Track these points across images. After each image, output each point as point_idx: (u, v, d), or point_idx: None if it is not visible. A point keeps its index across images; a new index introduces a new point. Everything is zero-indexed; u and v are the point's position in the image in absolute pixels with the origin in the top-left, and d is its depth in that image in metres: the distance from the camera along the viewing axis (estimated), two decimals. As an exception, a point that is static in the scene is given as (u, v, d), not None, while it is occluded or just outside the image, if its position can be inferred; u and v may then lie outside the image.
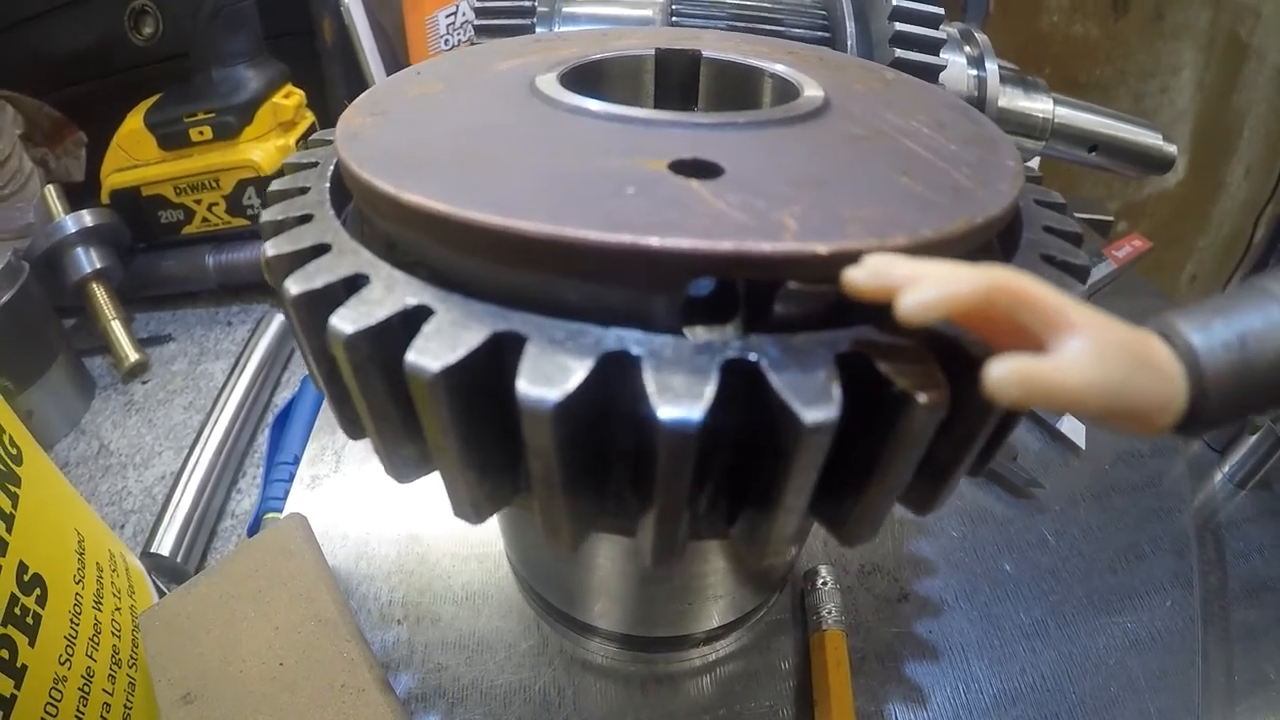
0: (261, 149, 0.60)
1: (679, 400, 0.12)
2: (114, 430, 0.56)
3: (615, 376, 0.13)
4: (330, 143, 0.23)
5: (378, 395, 0.15)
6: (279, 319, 0.60)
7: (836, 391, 0.13)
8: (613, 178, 0.16)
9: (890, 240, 0.14)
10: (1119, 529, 0.42)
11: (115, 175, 0.63)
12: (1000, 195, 0.17)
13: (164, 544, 0.45)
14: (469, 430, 0.15)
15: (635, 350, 0.13)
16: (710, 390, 0.12)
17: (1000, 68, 0.48)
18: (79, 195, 0.65)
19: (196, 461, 0.49)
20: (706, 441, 0.13)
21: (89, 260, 0.61)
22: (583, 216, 0.14)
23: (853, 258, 0.14)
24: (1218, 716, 0.33)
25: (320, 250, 0.17)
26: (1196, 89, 0.96)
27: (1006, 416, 0.16)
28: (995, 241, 0.20)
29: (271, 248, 0.17)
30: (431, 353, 0.13)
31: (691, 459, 0.13)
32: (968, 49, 0.47)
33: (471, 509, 0.16)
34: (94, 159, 0.70)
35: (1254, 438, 0.44)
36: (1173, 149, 0.49)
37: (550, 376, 0.13)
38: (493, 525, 0.40)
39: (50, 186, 0.64)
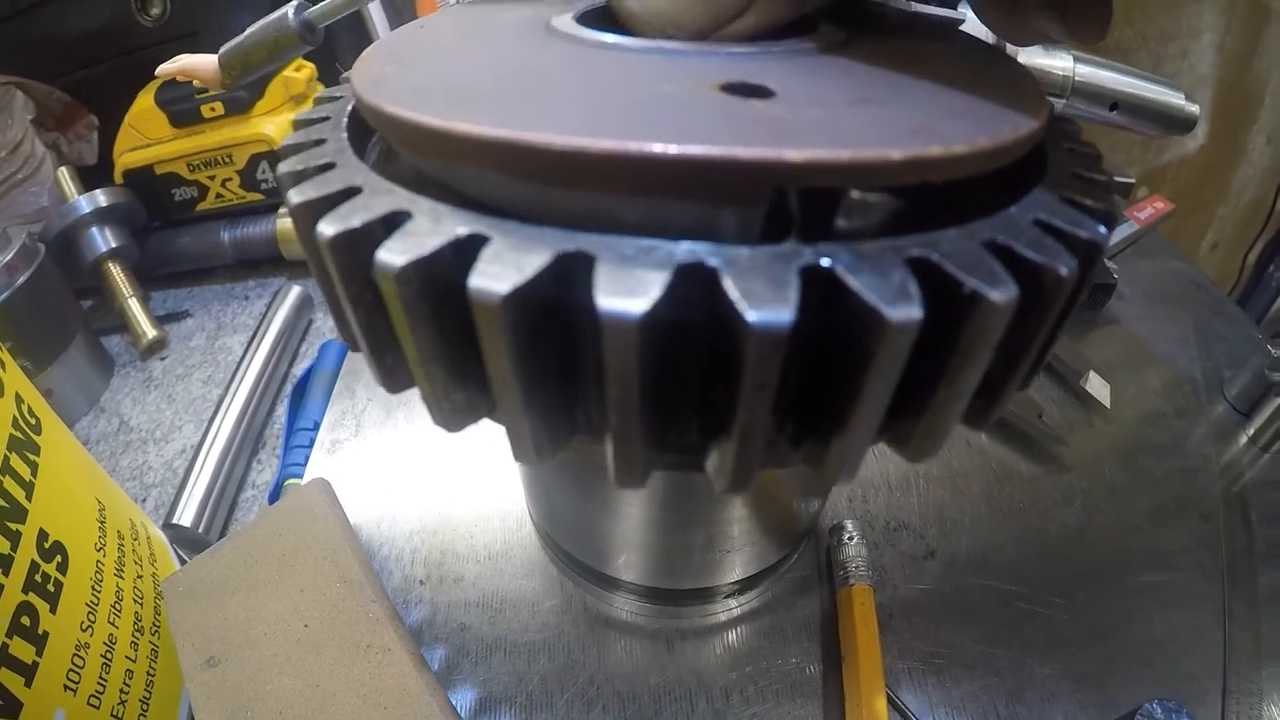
0: (274, 122, 0.60)
1: (767, 303, 0.12)
2: (134, 407, 0.57)
3: (691, 289, 0.13)
4: (338, 99, 0.22)
5: (429, 335, 0.15)
6: (295, 291, 0.61)
7: (915, 290, 0.13)
8: (666, 100, 0.16)
9: (952, 148, 0.14)
10: (1145, 489, 0.41)
11: (128, 155, 0.64)
12: (1034, 112, 0.17)
13: (185, 515, 0.45)
14: (533, 362, 0.14)
15: (711, 261, 0.13)
16: (795, 293, 0.12)
17: (1020, 24, 0.47)
18: (92, 178, 0.65)
19: (216, 433, 0.49)
20: (785, 354, 0.13)
21: (104, 240, 0.61)
22: (649, 133, 0.14)
23: (924, 164, 0.14)
24: (1243, 678, 0.33)
25: (351, 193, 0.16)
26: (1217, 53, 0.94)
27: (1060, 319, 0.16)
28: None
29: (296, 195, 0.17)
30: (495, 275, 0.13)
31: (779, 365, 0.13)
32: (986, 4, 0.46)
33: (533, 450, 0.16)
34: (105, 142, 0.70)
35: (1279, 401, 0.44)
36: (1194, 108, 0.48)
37: (630, 289, 0.12)
38: (514, 485, 0.40)
39: (64, 169, 0.64)
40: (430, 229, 0.14)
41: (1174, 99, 0.48)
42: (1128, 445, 0.43)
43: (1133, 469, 0.42)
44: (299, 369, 0.57)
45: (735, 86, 0.17)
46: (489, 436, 0.42)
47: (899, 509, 0.39)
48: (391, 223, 0.15)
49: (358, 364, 0.49)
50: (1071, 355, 0.46)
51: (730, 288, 0.12)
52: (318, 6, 0.33)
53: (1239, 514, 0.40)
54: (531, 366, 0.14)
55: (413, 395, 0.17)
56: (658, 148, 0.13)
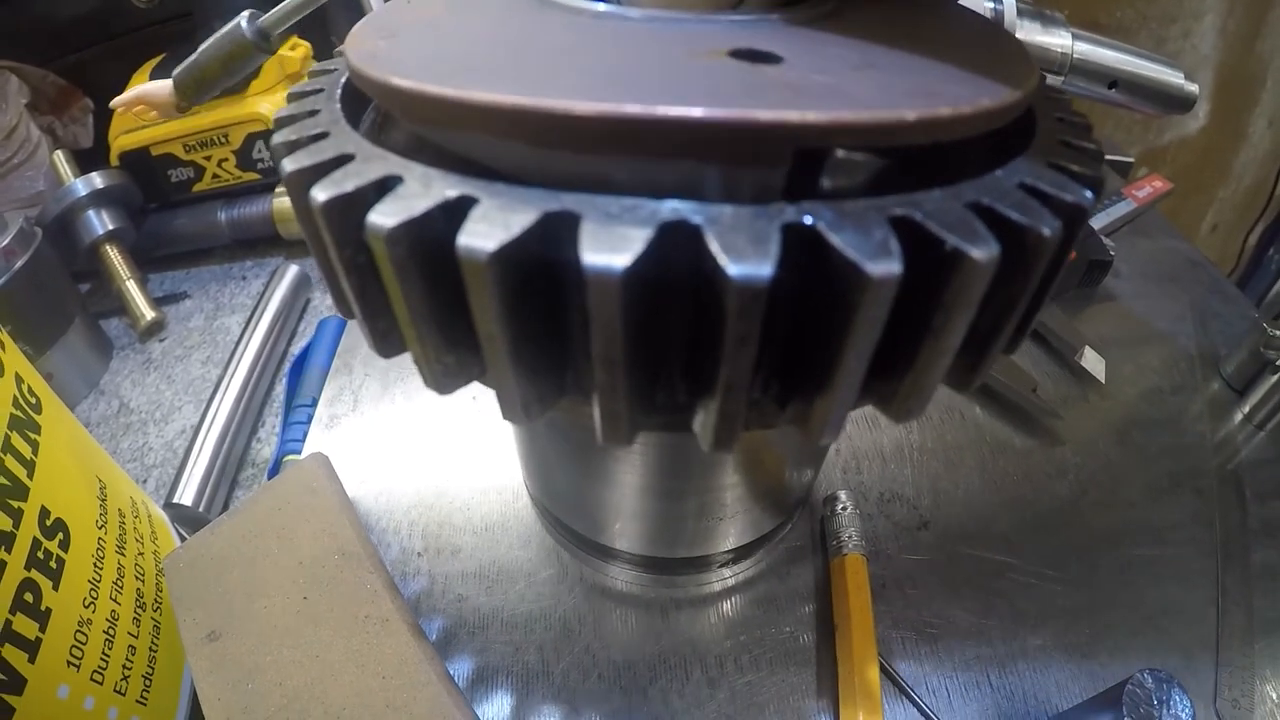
0: (269, 101, 0.60)
1: (747, 257, 0.12)
2: (133, 389, 0.57)
3: (674, 246, 0.13)
4: (331, 72, 0.22)
5: (421, 297, 0.15)
6: (293, 270, 0.61)
7: (896, 247, 0.13)
8: (679, 65, 0.16)
9: (961, 108, 0.15)
10: (1139, 464, 0.41)
11: (123, 137, 0.63)
12: (1026, 75, 0.17)
13: (186, 495, 0.45)
14: (521, 321, 0.14)
15: (694, 219, 0.13)
16: (775, 248, 0.13)
17: (1018, 1, 0.47)
18: (88, 161, 0.64)
19: (216, 412, 0.49)
20: (766, 312, 0.13)
21: (101, 222, 0.61)
22: (673, 97, 0.14)
23: (935, 124, 0.14)
24: (1236, 653, 0.33)
25: (344, 160, 0.17)
26: (1219, 35, 0.94)
27: (1044, 279, 0.16)
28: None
29: (290, 163, 0.17)
30: (483, 234, 0.13)
31: (760, 319, 0.13)
32: (984, -20, 0.46)
33: (522, 408, 0.16)
34: (101, 125, 0.70)
35: (1274, 378, 0.44)
36: (1194, 88, 0.48)
37: (613, 245, 0.13)
38: (511, 459, 0.40)
39: (59, 152, 0.64)
40: (421, 192, 0.14)
41: (1173, 77, 0.48)
42: (1122, 421, 0.44)
43: (1127, 444, 0.42)
44: (297, 348, 0.57)
45: (743, 53, 0.17)
46: (486, 411, 0.43)
47: (893, 480, 0.39)
48: (384, 187, 0.15)
49: (355, 340, 0.49)
50: (1066, 330, 0.46)
51: (712, 243, 0.13)
52: (271, 14, 0.32)
53: (1233, 490, 0.41)
54: (519, 325, 0.15)
55: (410, 372, 0.18)
56: (693, 111, 0.14)
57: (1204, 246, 1.00)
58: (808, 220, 0.13)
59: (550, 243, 0.13)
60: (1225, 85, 0.96)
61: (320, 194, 0.15)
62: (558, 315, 0.15)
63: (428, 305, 0.15)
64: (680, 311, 0.14)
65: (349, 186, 0.15)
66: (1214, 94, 0.96)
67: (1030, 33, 0.47)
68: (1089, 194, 0.16)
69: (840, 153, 0.15)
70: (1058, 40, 0.48)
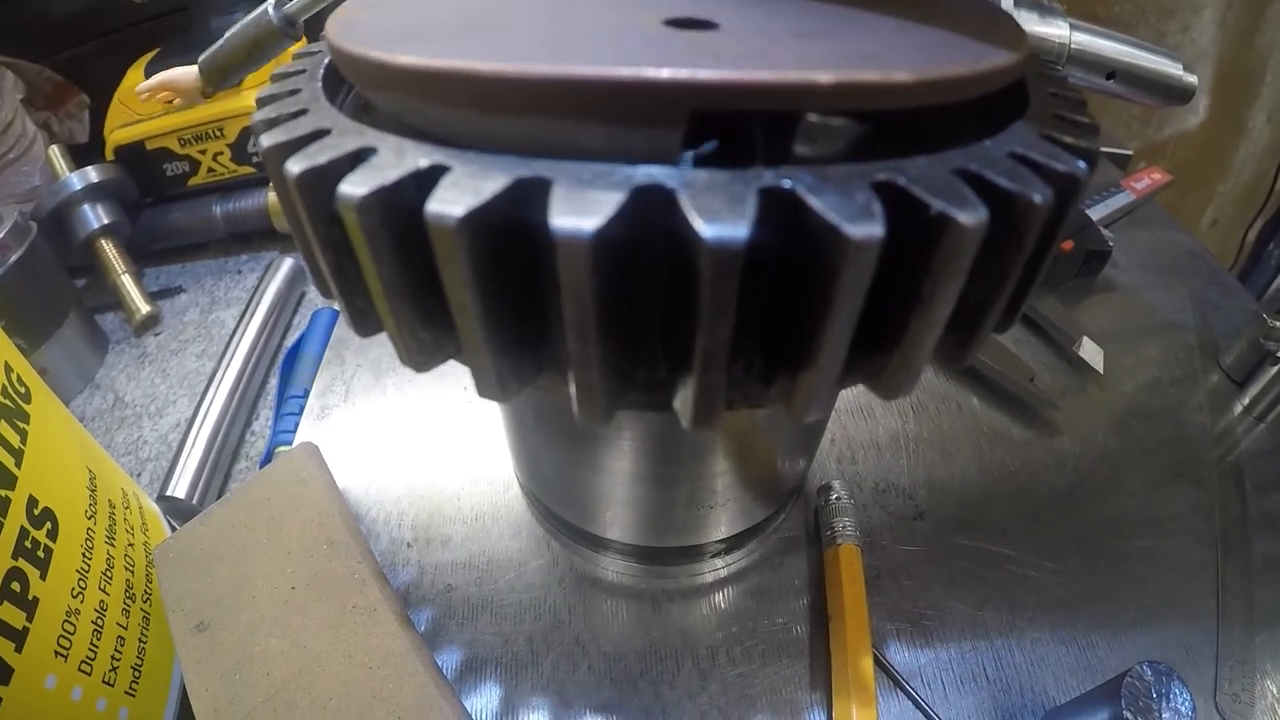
0: (263, 96, 0.60)
1: (722, 219, 0.12)
2: (128, 383, 0.57)
3: (649, 211, 0.13)
4: (315, 54, 0.22)
5: (394, 269, 0.15)
6: (287, 264, 0.60)
7: (879, 209, 0.12)
8: (610, 31, 0.16)
9: (894, 75, 0.14)
10: (1138, 455, 0.41)
11: (119, 131, 0.63)
12: (1006, 50, 0.17)
13: (179, 487, 0.45)
14: (493, 290, 0.14)
15: (669, 183, 0.13)
16: (751, 210, 0.12)
17: (1015, -9, 0.46)
18: (84, 157, 0.64)
19: (210, 405, 0.49)
20: (744, 281, 0.13)
21: (96, 216, 0.61)
22: (578, 60, 0.14)
23: (855, 89, 0.14)
24: (1236, 646, 0.33)
25: (320, 134, 0.16)
26: (1218, 29, 0.93)
27: (1037, 252, 0.16)
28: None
29: (268, 139, 0.17)
30: (452, 200, 0.13)
31: (737, 283, 0.13)
32: (980, -31, 0.46)
33: (497, 385, 0.16)
34: (96, 121, 0.70)
35: (1274, 370, 0.43)
36: (1193, 79, 0.48)
37: (583, 208, 0.12)
38: (502, 449, 0.40)
39: (55, 146, 0.64)
40: (393, 162, 0.14)
41: (1172, 68, 0.48)
42: (1121, 411, 0.43)
43: (1126, 435, 0.42)
44: (292, 341, 0.57)
45: (679, 21, 0.17)
46: (477, 402, 0.42)
47: (888, 470, 0.39)
48: (358, 159, 0.15)
49: (347, 331, 0.49)
50: (1064, 320, 0.46)
51: (687, 206, 0.12)
52: (297, 0, 0.33)
53: (1233, 482, 0.40)
54: (492, 295, 0.14)
55: (402, 363, 0.17)
56: (583, 70, 0.13)
57: (1204, 241, 1.00)
58: (786, 184, 0.13)
59: (523, 209, 0.13)
60: (1224, 80, 0.95)
61: (294, 166, 0.15)
62: (533, 288, 0.15)
63: (401, 278, 0.15)
64: (656, 281, 0.14)
65: (322, 159, 0.15)
66: (1213, 89, 0.96)
67: (1027, 23, 0.47)
68: (1082, 164, 0.15)
69: (813, 118, 0.15)
70: (1055, 30, 0.47)
